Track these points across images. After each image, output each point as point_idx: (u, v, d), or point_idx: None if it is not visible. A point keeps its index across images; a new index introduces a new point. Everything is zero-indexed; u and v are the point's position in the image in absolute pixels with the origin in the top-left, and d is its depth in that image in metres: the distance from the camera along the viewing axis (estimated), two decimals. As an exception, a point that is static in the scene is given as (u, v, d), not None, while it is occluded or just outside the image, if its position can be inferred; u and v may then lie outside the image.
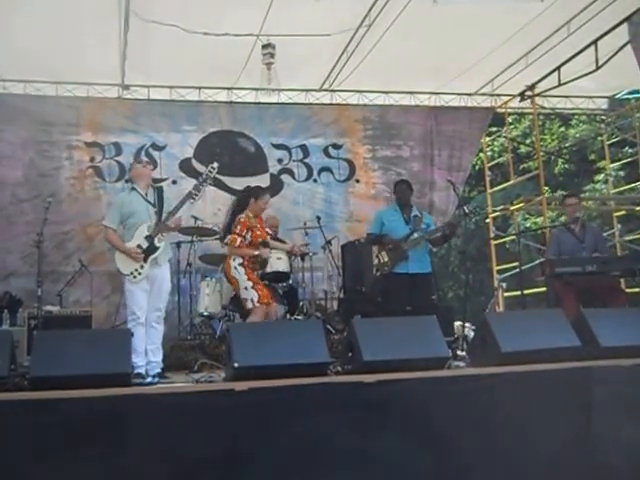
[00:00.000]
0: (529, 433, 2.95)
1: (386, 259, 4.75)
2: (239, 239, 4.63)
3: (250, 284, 4.55)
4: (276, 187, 7.02)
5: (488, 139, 9.35)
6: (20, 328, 5.29)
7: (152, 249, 4.10)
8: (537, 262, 6.59)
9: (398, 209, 4.94)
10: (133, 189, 4.28)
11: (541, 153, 8.23)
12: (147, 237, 4.10)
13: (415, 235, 4.76)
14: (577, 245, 5.10)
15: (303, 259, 5.82)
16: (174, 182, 6.81)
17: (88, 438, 2.52)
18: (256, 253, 4.65)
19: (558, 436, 2.98)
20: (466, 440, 2.89)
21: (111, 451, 2.54)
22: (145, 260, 4.07)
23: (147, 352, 4.01)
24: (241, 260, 4.64)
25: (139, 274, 4.05)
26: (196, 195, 4.22)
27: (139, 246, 4.08)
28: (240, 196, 5.15)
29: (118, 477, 2.54)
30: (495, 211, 8.39)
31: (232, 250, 4.70)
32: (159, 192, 4.29)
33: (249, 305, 4.51)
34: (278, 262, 4.97)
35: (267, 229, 5.03)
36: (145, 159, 4.46)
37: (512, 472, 2.93)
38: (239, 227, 4.66)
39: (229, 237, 4.71)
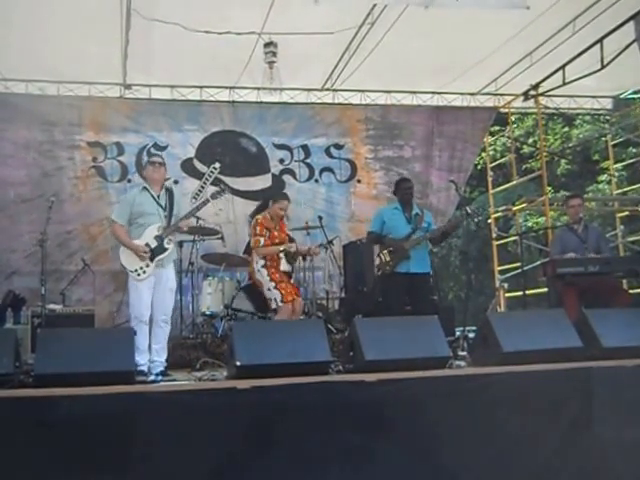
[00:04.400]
0: (529, 433, 2.95)
1: (388, 258, 4.74)
2: (262, 239, 4.76)
3: (272, 284, 4.66)
4: (278, 187, 7.03)
5: (491, 139, 9.34)
6: (24, 326, 5.33)
7: (160, 250, 4.08)
8: (539, 263, 6.59)
9: (399, 208, 4.91)
10: (145, 189, 4.22)
11: (544, 153, 8.21)
12: (157, 237, 4.09)
13: (417, 234, 4.76)
14: (580, 245, 5.10)
15: (305, 259, 5.82)
16: (176, 182, 6.81)
17: (91, 435, 2.53)
18: (281, 248, 4.73)
19: (558, 436, 2.98)
20: (467, 439, 2.89)
21: (113, 448, 2.54)
22: (151, 260, 4.06)
23: (151, 351, 4.01)
24: (263, 262, 4.76)
25: (144, 272, 4.04)
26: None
27: (147, 245, 4.06)
28: (262, 198, 5.32)
29: (120, 475, 2.54)
30: (497, 212, 8.38)
31: (258, 251, 4.83)
32: (170, 195, 4.25)
33: (273, 305, 4.64)
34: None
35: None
36: (158, 160, 4.33)
37: (512, 472, 2.93)
38: (258, 228, 4.81)
39: (252, 240, 4.87)
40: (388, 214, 4.95)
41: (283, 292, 4.61)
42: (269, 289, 4.67)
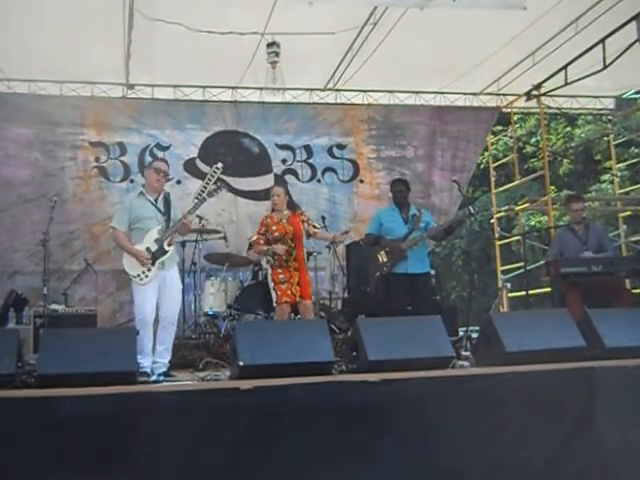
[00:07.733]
0: (532, 432, 2.94)
1: (385, 259, 4.74)
2: (255, 236, 4.81)
3: (272, 285, 4.67)
4: (280, 187, 7.02)
5: (493, 138, 9.34)
6: (26, 326, 5.33)
7: (161, 252, 4.09)
8: (542, 262, 6.58)
9: (396, 208, 4.91)
10: (142, 194, 4.21)
11: (547, 153, 8.20)
12: (157, 240, 4.10)
13: (414, 234, 4.75)
14: (579, 246, 5.09)
15: (307, 259, 5.81)
16: (178, 182, 6.83)
17: (93, 435, 2.53)
18: (264, 248, 4.68)
19: (561, 436, 2.98)
20: (469, 439, 2.88)
21: (116, 448, 2.54)
22: (153, 263, 4.06)
23: (155, 352, 4.01)
24: (267, 260, 4.81)
25: (146, 277, 4.04)
26: (211, 196, 4.39)
27: (148, 249, 4.07)
28: (265, 199, 5.39)
29: (122, 475, 2.54)
30: (500, 211, 8.36)
31: (253, 246, 4.99)
32: (166, 199, 4.25)
33: (274, 304, 4.66)
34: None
35: (312, 223, 4.85)
36: (163, 169, 4.25)
37: (515, 471, 2.92)
38: (258, 226, 4.84)
39: None
40: (385, 215, 4.96)
41: (279, 293, 4.58)
42: (270, 288, 4.70)
